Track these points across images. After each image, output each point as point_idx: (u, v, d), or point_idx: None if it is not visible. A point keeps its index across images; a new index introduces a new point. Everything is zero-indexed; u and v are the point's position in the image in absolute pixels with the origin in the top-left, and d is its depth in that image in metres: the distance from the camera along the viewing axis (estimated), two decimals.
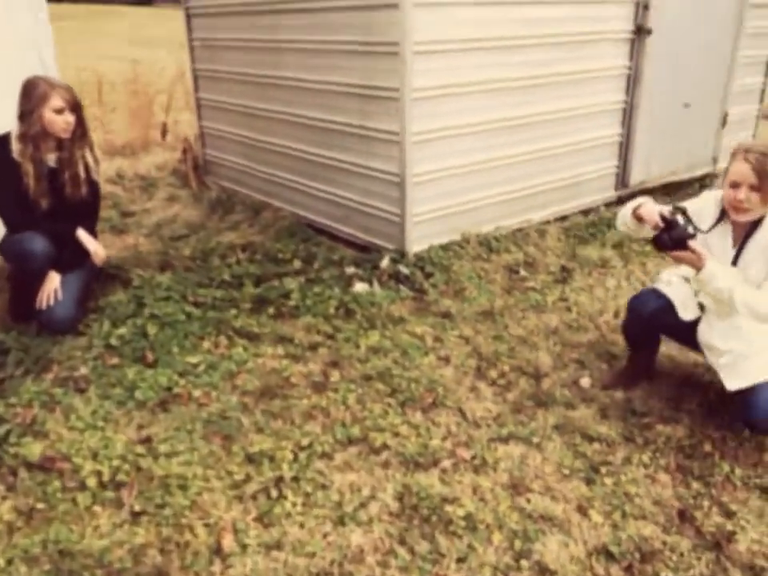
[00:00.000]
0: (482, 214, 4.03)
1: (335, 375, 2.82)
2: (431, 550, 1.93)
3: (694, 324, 2.52)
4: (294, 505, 2.10)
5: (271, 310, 3.32)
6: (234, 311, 3.29)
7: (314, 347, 3.04)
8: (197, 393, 2.66)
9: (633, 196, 4.79)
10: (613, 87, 4.49)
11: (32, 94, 2.84)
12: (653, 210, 2.32)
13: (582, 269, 3.88)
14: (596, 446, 2.39)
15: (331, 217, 4.27)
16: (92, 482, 2.17)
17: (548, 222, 4.38)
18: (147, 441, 2.38)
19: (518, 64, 3.89)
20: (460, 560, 1.90)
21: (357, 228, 4.10)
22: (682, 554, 1.93)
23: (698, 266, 2.25)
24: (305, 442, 2.38)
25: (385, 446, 2.37)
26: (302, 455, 2.32)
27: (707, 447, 2.37)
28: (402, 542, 1.97)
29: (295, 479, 2.21)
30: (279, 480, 2.20)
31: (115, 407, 2.56)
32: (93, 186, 3.13)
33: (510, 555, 1.92)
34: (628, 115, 4.63)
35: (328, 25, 3.85)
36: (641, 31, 4.47)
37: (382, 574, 1.86)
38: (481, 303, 3.44)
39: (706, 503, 2.13)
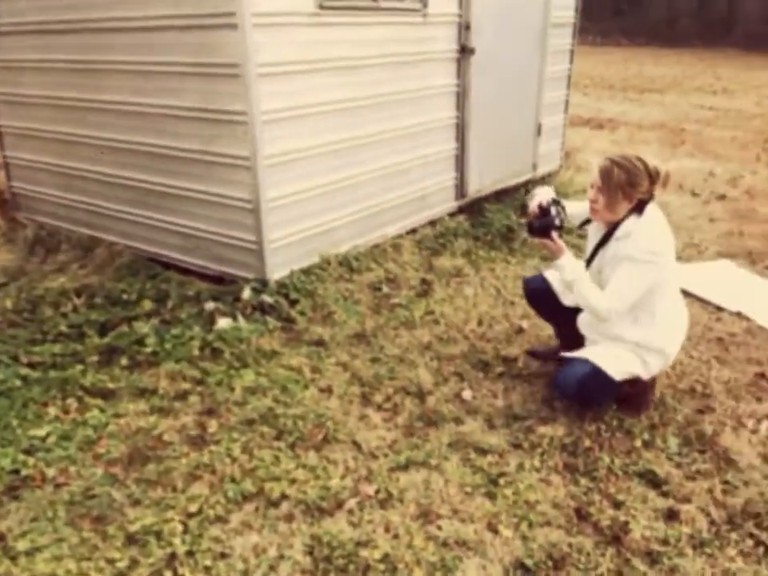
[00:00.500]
0: (338, 233, 3.99)
1: (213, 425, 2.59)
2: None
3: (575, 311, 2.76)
4: None
5: (124, 361, 2.99)
6: (79, 367, 2.91)
7: (182, 396, 2.78)
8: (51, 471, 2.30)
9: (471, 205, 5.10)
10: (445, 104, 4.68)
11: None
12: (538, 197, 2.50)
13: (439, 280, 3.98)
14: (489, 458, 2.44)
15: (178, 249, 3.97)
16: None
17: (401, 236, 4.45)
18: (0, 539, 2.00)
19: (359, 84, 3.90)
20: None
21: (209, 258, 3.84)
22: (588, 554, 2.01)
23: (555, 255, 2.43)
24: (193, 508, 2.15)
25: (283, 496, 2.22)
26: (193, 524, 2.09)
27: (587, 442, 2.51)
28: None
29: (190, 553, 1.98)
30: (172, 558, 1.96)
31: None
32: None
33: None
34: (461, 130, 4.85)
35: (157, 45, 3.57)
36: (465, 50, 4.71)
37: None
38: (351, 326, 3.39)
39: (596, 497, 2.25)
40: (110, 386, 2.81)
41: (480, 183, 5.17)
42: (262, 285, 3.54)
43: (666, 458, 2.43)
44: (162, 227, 3.99)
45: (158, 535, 2.03)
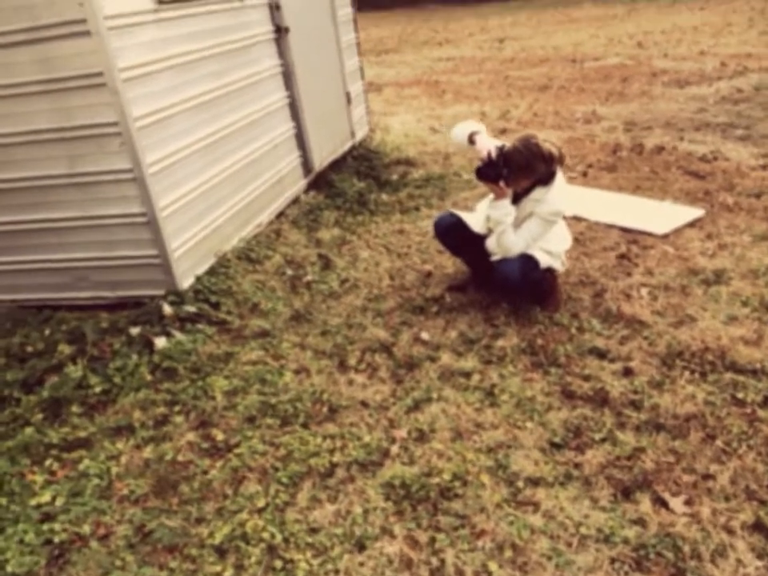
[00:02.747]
0: (224, 230, 3.96)
1: (217, 434, 2.59)
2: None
3: (482, 239, 3.30)
4: None
5: (75, 408, 2.78)
6: (29, 430, 2.65)
7: (163, 421, 2.70)
8: (86, 528, 2.16)
9: (317, 180, 5.32)
10: (276, 86, 4.79)
11: None
12: (486, 143, 2.89)
13: (331, 251, 4.19)
14: (475, 377, 2.80)
15: (56, 287, 3.63)
16: None
17: (272, 222, 4.53)
18: None
19: (204, 77, 3.86)
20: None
21: (99, 287, 3.59)
22: (593, 419, 2.50)
23: (500, 196, 2.91)
24: (259, 503, 2.20)
25: (333, 465, 2.36)
26: (269, 516, 2.15)
27: (538, 341, 3.00)
28: (428, 528, 2.07)
29: (286, 540, 2.06)
30: (271, 549, 2.03)
31: None
32: None
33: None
34: (295, 109, 5.01)
35: None
36: (280, 30, 4.84)
37: None
38: (283, 311, 3.48)
39: (569, 379, 2.74)
40: (81, 434, 2.61)
41: (320, 157, 5.40)
42: (177, 297, 3.44)
43: (597, 335, 3.02)
44: (31, 268, 3.61)
45: (244, 537, 2.07)
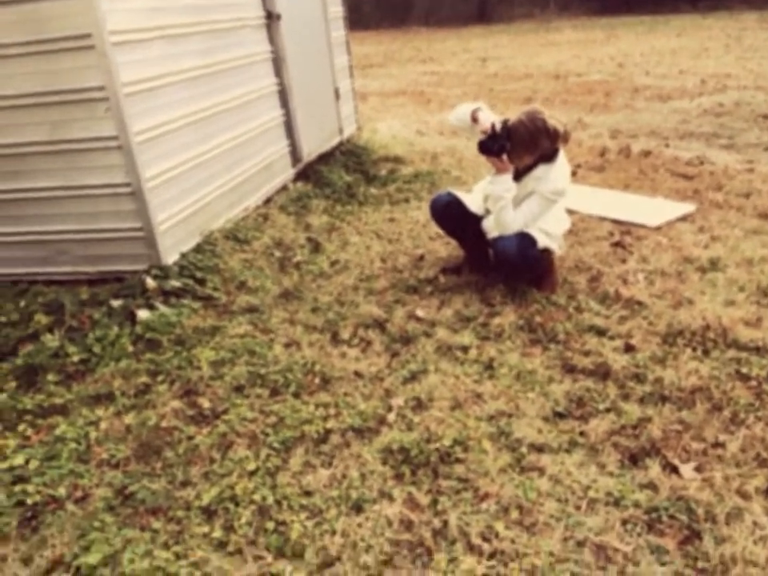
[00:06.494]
0: (211, 209, 3.85)
1: (204, 401, 2.46)
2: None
3: (479, 220, 3.24)
4: None
5: (52, 377, 2.63)
6: (2, 396, 2.50)
7: (145, 390, 2.56)
8: (61, 491, 2.01)
9: (305, 170, 5.24)
10: (266, 71, 4.72)
11: None
12: (488, 117, 2.80)
13: (320, 236, 4.10)
14: (472, 351, 2.72)
15: (33, 261, 3.48)
16: None
17: (259, 207, 4.43)
18: (59, 564, 1.74)
19: (194, 52, 3.77)
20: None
21: (78, 262, 3.45)
22: (596, 391, 2.42)
23: (502, 171, 2.81)
24: (250, 467, 2.07)
25: (327, 431, 2.24)
26: (259, 479, 2.02)
27: (536, 319, 2.93)
28: (429, 491, 1.96)
29: (278, 502, 1.93)
30: (263, 511, 1.90)
31: None
32: None
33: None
34: (284, 96, 4.94)
35: None
36: (271, 16, 4.78)
37: None
38: (271, 288, 3.37)
39: (569, 354, 2.66)
40: (57, 401, 2.46)
41: (309, 148, 5.32)
42: (160, 271, 3.30)
43: (595, 315, 2.96)
44: (4, 241, 3.45)
45: (234, 499, 1.94)
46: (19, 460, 2.12)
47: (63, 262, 3.45)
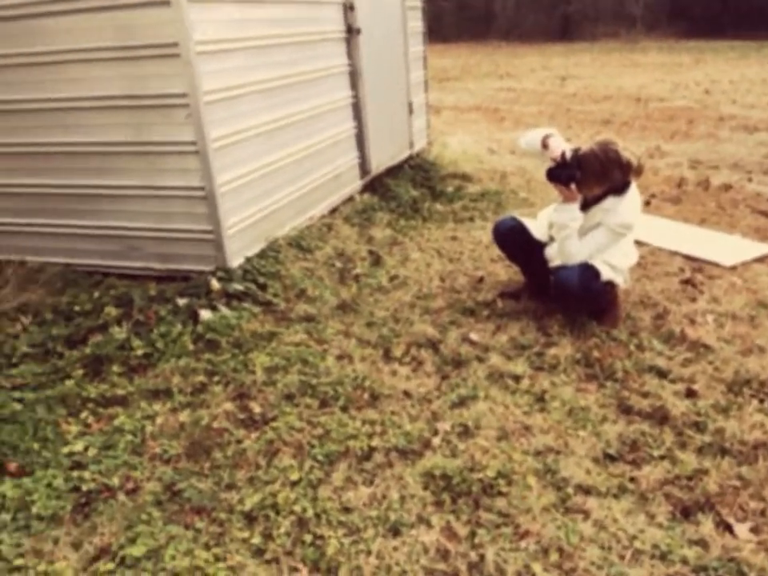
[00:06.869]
0: (278, 217, 3.95)
1: (255, 406, 2.51)
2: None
3: (542, 247, 3.21)
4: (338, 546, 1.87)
5: (116, 368, 2.75)
6: (69, 382, 2.62)
7: (201, 389, 2.64)
8: (115, 480, 2.09)
9: (372, 183, 5.29)
10: (343, 84, 4.80)
11: None
12: (560, 144, 2.78)
13: (382, 249, 4.13)
14: (525, 381, 2.67)
15: (108, 255, 3.65)
16: None
17: (324, 217, 4.50)
18: (106, 553, 1.80)
19: (275, 64, 3.88)
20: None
21: (150, 259, 3.59)
22: (651, 435, 2.34)
23: (569, 200, 2.78)
24: (293, 477, 2.11)
25: (371, 449, 2.26)
26: (300, 491, 2.05)
27: (594, 354, 2.85)
28: (468, 522, 1.94)
29: (317, 516, 1.95)
30: (301, 523, 1.93)
31: (18, 536, 1.85)
32: None
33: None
34: (358, 109, 5.01)
35: (63, 31, 3.24)
36: (351, 31, 4.87)
37: None
38: (329, 299, 3.42)
39: (627, 393, 2.58)
40: (119, 392, 2.57)
41: (378, 160, 5.38)
42: (225, 274, 3.41)
43: (657, 355, 2.86)
44: (85, 234, 3.64)
45: (275, 507, 1.97)
46: (79, 446, 2.22)
47: (135, 257, 3.61)
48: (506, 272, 3.75)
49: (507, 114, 10.34)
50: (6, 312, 3.13)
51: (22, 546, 1.83)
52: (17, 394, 2.45)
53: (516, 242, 3.30)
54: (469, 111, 10.77)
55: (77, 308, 3.16)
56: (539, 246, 3.24)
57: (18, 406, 2.37)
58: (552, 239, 3.13)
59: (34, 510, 1.94)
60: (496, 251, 3.86)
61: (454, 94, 12.83)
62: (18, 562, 1.78)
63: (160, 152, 3.34)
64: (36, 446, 2.23)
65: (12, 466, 2.11)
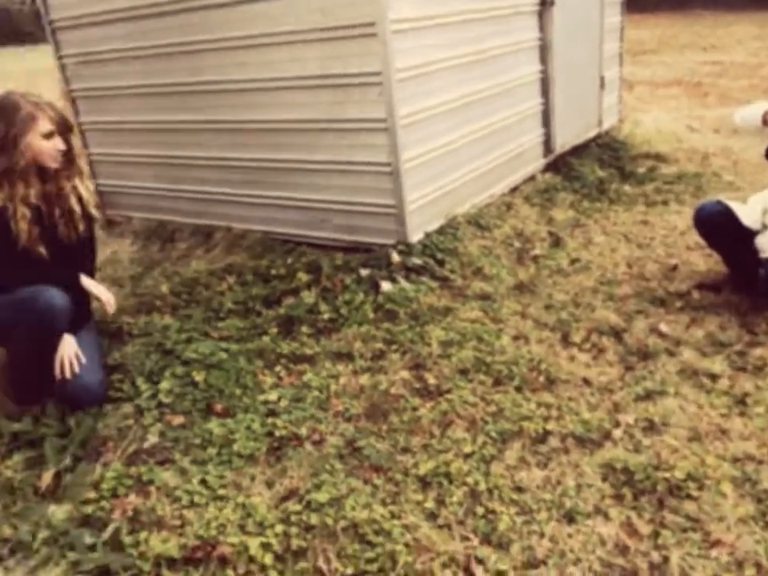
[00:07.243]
0: (458, 194, 3.96)
1: (429, 377, 2.57)
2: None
3: (752, 235, 2.87)
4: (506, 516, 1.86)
5: (305, 329, 2.96)
6: (266, 338, 2.87)
7: (380, 356, 2.76)
8: (303, 430, 2.27)
9: (555, 162, 5.10)
10: (532, 58, 4.66)
11: (13, 118, 2.20)
12: None
13: (563, 231, 3.98)
14: (723, 381, 2.44)
15: (302, 225, 3.91)
16: (267, 558, 1.74)
17: (504, 195, 4.44)
18: (294, 494, 1.97)
19: (468, 39, 3.86)
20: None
21: (337, 230, 3.80)
22: None
23: None
24: (466, 449, 2.13)
25: (546, 432, 2.21)
26: (473, 463, 2.08)
27: None
28: (651, 521, 1.84)
29: (489, 491, 1.96)
30: (474, 495, 1.95)
31: (222, 469, 2.09)
32: (89, 221, 2.53)
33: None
34: (546, 84, 4.84)
35: (262, 16, 3.50)
36: (545, 2, 4.69)
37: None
38: (506, 279, 3.38)
39: None
40: (307, 352, 2.77)
41: (563, 138, 5.17)
42: (405, 248, 3.50)
43: None
44: (283, 204, 3.93)
45: (448, 476, 2.02)
46: (273, 396, 2.44)
47: (324, 228, 3.83)
48: (704, 261, 3.43)
49: (711, 88, 9.36)
50: (215, 271, 3.49)
51: (225, 478, 2.06)
52: (223, 345, 2.74)
53: (721, 229, 3.00)
54: (666, 86, 9.92)
55: (273, 272, 3.44)
56: (749, 234, 2.92)
57: (224, 355, 2.65)
58: (765, 227, 2.81)
59: (235, 447, 2.17)
60: (693, 238, 3.56)
61: (650, 68, 11.88)
62: (221, 492, 2.00)
63: (353, 129, 3.50)
64: (238, 391, 2.48)
65: (218, 407, 2.38)
